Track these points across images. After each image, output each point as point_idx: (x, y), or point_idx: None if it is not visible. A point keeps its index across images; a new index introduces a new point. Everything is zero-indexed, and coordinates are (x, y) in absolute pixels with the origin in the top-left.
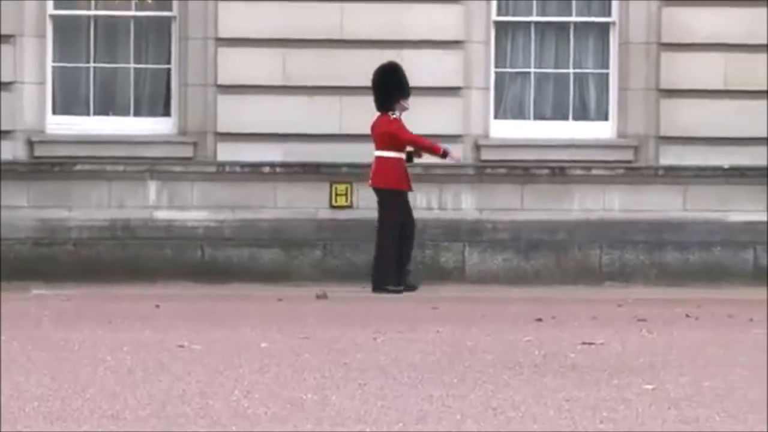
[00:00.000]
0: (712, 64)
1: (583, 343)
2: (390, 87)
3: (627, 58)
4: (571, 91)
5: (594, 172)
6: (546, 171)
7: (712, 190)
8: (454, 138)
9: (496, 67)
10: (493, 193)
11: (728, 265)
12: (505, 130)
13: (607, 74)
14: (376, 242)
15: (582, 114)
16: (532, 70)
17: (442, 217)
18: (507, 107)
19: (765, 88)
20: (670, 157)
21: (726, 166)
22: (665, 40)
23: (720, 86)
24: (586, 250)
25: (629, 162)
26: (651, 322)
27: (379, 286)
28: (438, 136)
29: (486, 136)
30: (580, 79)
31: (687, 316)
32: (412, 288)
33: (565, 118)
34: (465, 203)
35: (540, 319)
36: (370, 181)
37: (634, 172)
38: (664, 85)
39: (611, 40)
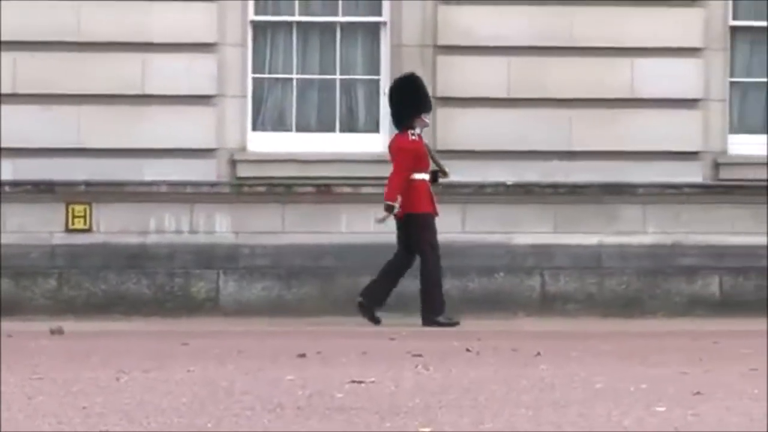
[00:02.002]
0: (493, 70)
1: (352, 382)
2: (408, 101)
3: (399, 62)
4: (337, 99)
5: (364, 190)
6: (310, 189)
7: (495, 210)
8: (206, 152)
9: (254, 72)
10: (251, 214)
11: (512, 292)
12: (264, 143)
13: (377, 81)
14: (421, 270)
15: (350, 125)
16: (294, 76)
17: (193, 242)
18: (266, 118)
19: (553, 96)
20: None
21: (509, 183)
22: (442, 42)
23: (503, 94)
24: (355, 278)
25: None
26: (427, 357)
27: (429, 320)
28: (190, 150)
29: (243, 149)
30: (348, 86)
31: (467, 350)
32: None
33: (331, 129)
34: (219, 225)
35: (304, 355)
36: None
37: None
38: (440, 93)
39: (382, 43)
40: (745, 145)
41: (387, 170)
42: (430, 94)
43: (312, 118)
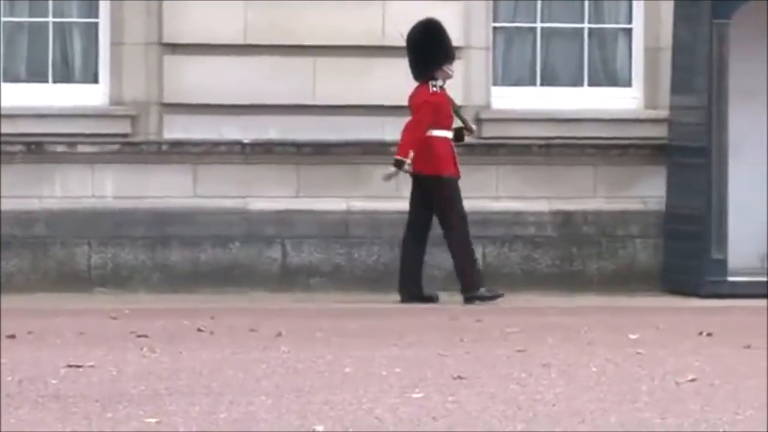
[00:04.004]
0: (228, 13)
1: (69, 366)
2: (430, 50)
3: (120, 4)
4: (50, 45)
5: (80, 148)
6: (19, 147)
7: (230, 171)
8: None
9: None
10: None
11: (250, 265)
12: None
13: (96, 24)
14: (448, 243)
15: (65, 75)
16: (2, 19)
17: None
18: None
19: (295, 43)
20: (177, 129)
21: (246, 141)
22: None
23: (239, 40)
24: (70, 248)
25: (125, 136)
26: (153, 338)
27: (471, 295)
28: None
29: None
30: (62, 30)
31: (199, 330)
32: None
33: (43, 80)
34: None
35: (13, 336)
36: (410, 167)
37: (132, 149)
38: (168, 39)
39: None
40: (511, 99)
41: (107, 126)
42: (156, 40)
43: (21, 67)
